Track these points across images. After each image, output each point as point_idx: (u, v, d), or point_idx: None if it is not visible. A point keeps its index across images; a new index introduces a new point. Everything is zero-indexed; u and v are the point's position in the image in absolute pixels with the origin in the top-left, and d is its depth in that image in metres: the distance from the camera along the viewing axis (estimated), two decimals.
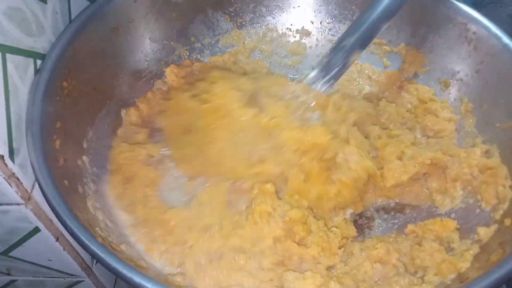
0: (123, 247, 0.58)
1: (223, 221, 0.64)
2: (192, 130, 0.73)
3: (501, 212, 0.65)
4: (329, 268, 0.63)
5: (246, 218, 0.64)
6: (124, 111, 0.76)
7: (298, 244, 0.63)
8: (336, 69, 0.71)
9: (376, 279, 0.62)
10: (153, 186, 0.68)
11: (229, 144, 0.71)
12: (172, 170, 0.71)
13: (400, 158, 0.75)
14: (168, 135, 0.75)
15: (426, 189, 0.73)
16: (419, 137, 0.79)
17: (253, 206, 0.65)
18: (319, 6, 0.87)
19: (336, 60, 0.70)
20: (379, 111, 0.82)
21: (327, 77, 0.71)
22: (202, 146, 0.72)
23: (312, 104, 0.72)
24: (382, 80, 0.86)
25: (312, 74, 0.73)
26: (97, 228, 0.56)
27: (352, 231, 0.69)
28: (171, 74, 0.82)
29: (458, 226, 0.68)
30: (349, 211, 0.72)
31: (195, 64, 0.84)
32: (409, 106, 0.83)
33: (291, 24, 0.88)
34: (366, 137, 0.76)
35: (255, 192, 0.66)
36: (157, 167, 0.71)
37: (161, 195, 0.68)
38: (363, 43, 0.69)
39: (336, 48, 0.70)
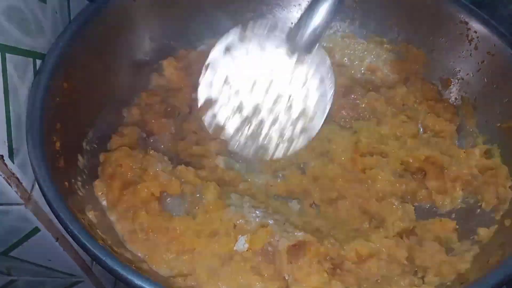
0: (122, 250, 0.58)
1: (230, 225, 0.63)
2: None
3: (501, 212, 0.66)
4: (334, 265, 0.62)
5: None
6: (126, 111, 0.76)
7: None
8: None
9: (378, 279, 0.62)
10: (153, 194, 0.65)
11: None
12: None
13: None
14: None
15: (426, 189, 0.73)
16: (421, 133, 0.79)
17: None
18: None
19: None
20: (386, 93, 0.81)
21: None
22: None
23: None
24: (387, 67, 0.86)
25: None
26: (98, 230, 0.56)
27: None
28: (169, 67, 0.79)
29: (457, 227, 0.68)
30: None
31: (191, 52, 0.82)
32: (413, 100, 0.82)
33: (292, 23, 0.87)
34: None
35: None
36: (156, 173, 0.66)
37: (162, 202, 0.65)
38: None
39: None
